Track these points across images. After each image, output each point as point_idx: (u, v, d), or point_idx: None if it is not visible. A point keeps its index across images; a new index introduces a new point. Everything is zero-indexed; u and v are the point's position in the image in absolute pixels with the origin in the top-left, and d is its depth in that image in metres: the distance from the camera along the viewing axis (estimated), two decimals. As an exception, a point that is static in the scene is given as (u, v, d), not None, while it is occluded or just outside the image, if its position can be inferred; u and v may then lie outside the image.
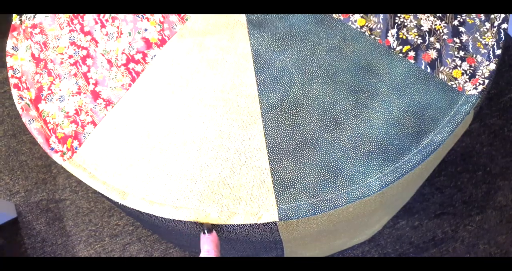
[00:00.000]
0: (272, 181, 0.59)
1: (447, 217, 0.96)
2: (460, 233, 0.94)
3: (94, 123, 0.67)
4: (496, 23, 0.67)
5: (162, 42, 0.72)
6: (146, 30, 0.73)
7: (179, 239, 0.76)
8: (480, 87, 0.62)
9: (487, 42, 0.66)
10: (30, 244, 0.99)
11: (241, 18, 0.72)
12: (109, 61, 0.72)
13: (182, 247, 0.91)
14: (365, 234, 0.86)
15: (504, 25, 0.66)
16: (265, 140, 0.62)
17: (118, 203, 0.60)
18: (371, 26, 0.69)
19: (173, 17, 0.74)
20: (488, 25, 0.67)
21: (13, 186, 1.06)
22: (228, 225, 0.57)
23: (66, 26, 0.77)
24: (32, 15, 0.78)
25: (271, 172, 0.59)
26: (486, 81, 0.62)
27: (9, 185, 1.06)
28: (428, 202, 0.98)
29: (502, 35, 0.65)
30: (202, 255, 0.52)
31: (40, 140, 0.66)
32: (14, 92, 0.71)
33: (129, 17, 0.75)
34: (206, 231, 0.55)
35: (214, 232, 0.56)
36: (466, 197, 0.98)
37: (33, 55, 0.75)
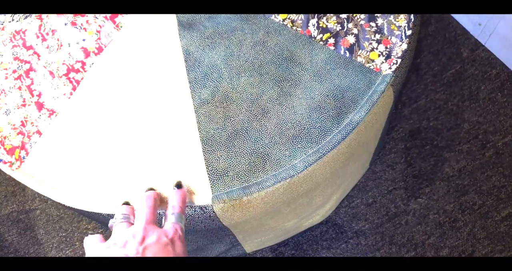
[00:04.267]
0: (207, 171, 0.63)
1: (399, 192, 1.01)
2: (411, 206, 0.99)
3: (39, 133, 0.70)
4: (407, 6, 0.71)
5: (99, 50, 0.75)
6: (84, 40, 0.77)
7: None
8: (394, 67, 0.67)
9: (400, 24, 0.71)
10: (2, 255, 1.03)
11: (172, 21, 0.75)
12: (51, 73, 0.75)
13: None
14: (318, 215, 0.90)
15: (414, 7, 0.70)
16: (199, 134, 0.66)
17: (65, 205, 0.64)
18: (292, 18, 0.73)
19: (109, 26, 0.77)
20: (401, 8, 0.72)
21: (-17, 201, 1.09)
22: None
23: (9, 42, 0.80)
24: (-24, 34, 0.81)
25: (205, 163, 0.64)
26: (399, 60, 0.67)
27: (-21, 201, 1.10)
28: (381, 179, 1.03)
29: (412, 16, 0.70)
30: (167, 210, 0.54)
31: (-12, 153, 0.69)
32: (-38, 110, 0.75)
33: (68, 28, 0.78)
34: (176, 186, 0.57)
35: (183, 188, 0.57)
36: (416, 171, 1.03)
37: (-22, 73, 0.78)
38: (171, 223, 0.52)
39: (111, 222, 0.53)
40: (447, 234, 0.95)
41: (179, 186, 0.58)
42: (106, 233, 0.54)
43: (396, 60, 0.67)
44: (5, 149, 0.70)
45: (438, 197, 0.99)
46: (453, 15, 1.19)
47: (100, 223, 0.89)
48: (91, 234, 1.02)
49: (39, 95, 0.73)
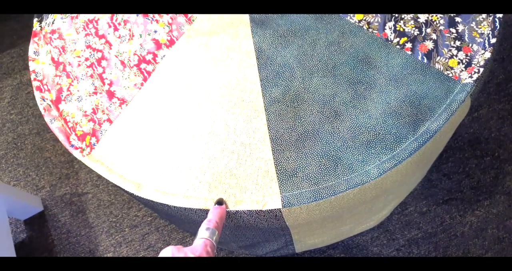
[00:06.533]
0: (276, 170, 0.63)
1: (455, 203, 0.98)
2: (468, 218, 0.96)
3: (110, 121, 0.72)
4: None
5: (171, 42, 0.76)
6: (155, 31, 0.78)
7: (194, 227, 0.80)
8: (476, 76, 0.64)
9: (483, 32, 0.68)
10: (56, 235, 1.06)
11: (245, 17, 0.75)
12: (122, 62, 0.76)
13: (198, 235, 0.96)
14: (373, 220, 0.89)
15: (500, 15, 0.67)
16: (269, 132, 0.65)
17: (133, 194, 0.65)
18: (369, 20, 0.71)
19: (181, 19, 0.78)
20: (484, 14, 0.69)
21: (39, 181, 1.13)
22: (235, 212, 0.61)
23: (82, 30, 0.82)
24: (51, 21, 0.84)
25: (274, 162, 0.63)
26: (481, 69, 0.64)
27: (35, 180, 1.13)
28: (436, 188, 1.00)
29: (497, 24, 0.67)
30: (203, 223, 0.55)
31: (61, 137, 0.71)
32: (37, 94, 0.77)
33: (140, 19, 0.79)
34: (216, 203, 0.59)
35: (223, 206, 0.59)
36: (474, 182, 0.99)
37: (52, 59, 0.80)
38: (202, 239, 0.52)
39: None
40: (506, 250, 0.92)
41: (220, 203, 0.59)
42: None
43: (478, 69, 0.64)
44: (76, 134, 0.72)
45: (498, 211, 0.95)
46: (523, 22, 1.13)
47: (161, 215, 0.90)
48: (139, 221, 1.04)
49: (110, 84, 0.75)
